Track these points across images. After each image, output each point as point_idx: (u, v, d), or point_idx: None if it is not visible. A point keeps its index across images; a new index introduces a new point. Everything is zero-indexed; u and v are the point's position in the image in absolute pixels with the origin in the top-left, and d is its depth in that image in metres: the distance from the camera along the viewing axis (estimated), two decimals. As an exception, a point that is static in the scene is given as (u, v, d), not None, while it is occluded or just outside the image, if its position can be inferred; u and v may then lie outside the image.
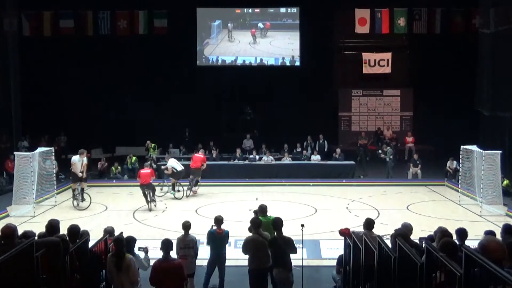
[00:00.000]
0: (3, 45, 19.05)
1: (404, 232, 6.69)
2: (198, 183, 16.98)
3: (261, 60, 24.78)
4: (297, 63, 24.69)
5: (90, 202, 15.13)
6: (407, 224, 7.16)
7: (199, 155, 17.35)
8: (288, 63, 24.72)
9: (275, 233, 7.56)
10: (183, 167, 16.63)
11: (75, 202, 15.14)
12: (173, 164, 16.56)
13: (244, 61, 24.76)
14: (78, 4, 22.78)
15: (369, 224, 7.75)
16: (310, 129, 22.26)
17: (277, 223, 7.56)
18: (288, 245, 7.38)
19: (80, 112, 23.13)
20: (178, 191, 16.67)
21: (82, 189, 15.22)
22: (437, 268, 4.61)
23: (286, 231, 11.05)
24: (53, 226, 6.60)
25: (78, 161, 15.08)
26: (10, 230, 5.36)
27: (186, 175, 16.87)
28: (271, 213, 8.82)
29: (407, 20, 22.95)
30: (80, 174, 15.00)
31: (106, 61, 22.86)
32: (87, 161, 15.75)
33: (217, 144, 21.63)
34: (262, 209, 8.63)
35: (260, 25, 24.71)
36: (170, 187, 16.71)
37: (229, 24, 24.77)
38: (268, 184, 18.36)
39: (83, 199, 15.20)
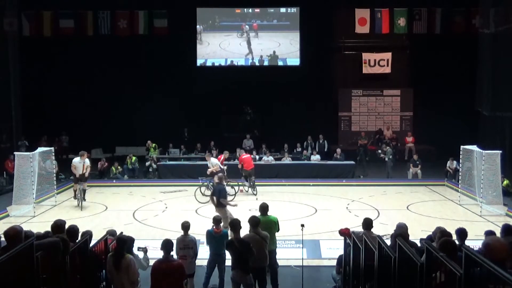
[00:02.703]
0: (3, 45, 19.07)
1: (403, 232, 6.68)
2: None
3: (232, 62, 24.81)
4: (266, 63, 24.76)
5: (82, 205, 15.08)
6: (402, 224, 7.09)
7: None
8: (257, 63, 24.77)
9: (232, 235, 7.46)
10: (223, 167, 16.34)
11: (77, 202, 15.18)
12: (218, 162, 16.37)
13: (213, 63, 24.75)
14: (78, 4, 22.77)
15: (367, 224, 7.75)
16: (310, 129, 22.28)
17: (234, 224, 7.43)
18: (245, 247, 7.13)
19: (80, 112, 23.12)
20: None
21: (84, 190, 15.23)
22: (437, 268, 4.61)
23: (286, 231, 11.17)
24: (59, 226, 6.63)
25: (79, 163, 15.07)
26: (13, 232, 5.33)
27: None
28: (271, 213, 8.82)
29: (407, 20, 22.96)
30: (78, 175, 14.95)
31: (106, 61, 22.86)
32: (90, 162, 15.71)
33: (217, 144, 21.64)
34: (263, 208, 8.63)
35: (247, 26, 24.73)
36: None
37: (198, 26, 24.71)
38: (268, 184, 18.35)
39: (85, 199, 15.20)
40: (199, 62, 24.81)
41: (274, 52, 24.78)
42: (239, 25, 24.80)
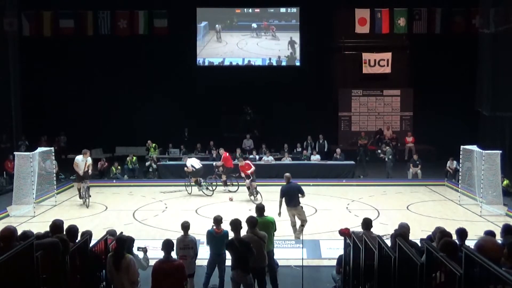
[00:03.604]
0: (3, 45, 19.06)
1: (404, 232, 6.68)
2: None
3: (249, 61, 24.81)
4: (284, 63, 24.75)
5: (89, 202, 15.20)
6: (404, 224, 7.10)
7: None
8: (274, 63, 24.77)
9: (233, 235, 7.46)
10: (201, 166, 16.81)
11: (82, 200, 15.20)
12: (192, 162, 16.74)
13: (231, 62, 24.79)
14: (78, 4, 22.76)
15: (367, 224, 7.75)
16: (310, 129, 22.28)
17: (234, 224, 7.42)
18: (245, 247, 7.12)
19: (80, 112, 23.12)
20: (207, 188, 16.89)
21: (88, 187, 15.28)
22: (437, 268, 4.61)
23: (287, 231, 11.17)
24: (57, 226, 6.63)
25: (82, 161, 15.14)
26: (8, 232, 5.34)
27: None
28: (271, 213, 8.82)
29: (407, 20, 22.95)
30: (81, 173, 15.00)
31: (106, 61, 22.86)
32: (91, 160, 15.76)
33: (217, 144, 21.61)
34: (259, 209, 8.62)
35: (254, 25, 24.74)
36: (198, 186, 16.90)
37: (216, 26, 24.75)
38: (268, 184, 18.31)
39: (89, 196, 15.24)
40: (217, 61, 24.81)
41: (291, 53, 24.78)
42: (258, 25, 24.80)
